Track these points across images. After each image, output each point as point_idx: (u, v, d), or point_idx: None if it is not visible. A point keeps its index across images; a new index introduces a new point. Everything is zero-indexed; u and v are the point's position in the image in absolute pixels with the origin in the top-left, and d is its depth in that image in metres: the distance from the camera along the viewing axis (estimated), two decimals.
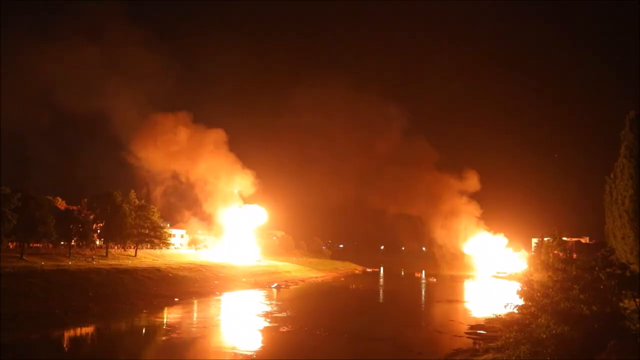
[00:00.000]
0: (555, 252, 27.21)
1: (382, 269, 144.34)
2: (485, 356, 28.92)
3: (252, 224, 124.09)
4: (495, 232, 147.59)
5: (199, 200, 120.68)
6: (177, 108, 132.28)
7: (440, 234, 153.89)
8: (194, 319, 49.07)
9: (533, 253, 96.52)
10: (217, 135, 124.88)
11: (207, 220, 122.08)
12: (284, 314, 49.38)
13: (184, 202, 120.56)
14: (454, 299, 70.99)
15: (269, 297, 66.12)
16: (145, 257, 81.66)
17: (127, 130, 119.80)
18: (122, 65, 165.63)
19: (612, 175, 42.80)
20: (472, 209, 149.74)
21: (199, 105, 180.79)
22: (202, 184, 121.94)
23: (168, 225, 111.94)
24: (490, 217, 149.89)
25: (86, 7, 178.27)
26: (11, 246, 63.43)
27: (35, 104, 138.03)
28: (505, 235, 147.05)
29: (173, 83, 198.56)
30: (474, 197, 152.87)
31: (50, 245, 70.99)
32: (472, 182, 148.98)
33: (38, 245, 69.72)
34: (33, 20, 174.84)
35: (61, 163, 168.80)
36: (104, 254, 76.33)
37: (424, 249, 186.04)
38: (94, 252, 76.50)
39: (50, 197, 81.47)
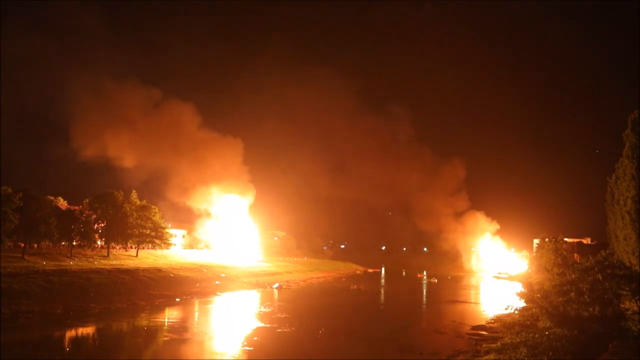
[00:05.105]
0: (556, 254, 27.17)
1: (383, 269, 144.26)
2: (487, 357, 28.84)
3: (241, 213, 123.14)
4: (495, 232, 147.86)
5: (193, 195, 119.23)
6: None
7: (442, 235, 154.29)
8: (195, 319, 49.13)
9: (534, 254, 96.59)
10: (196, 118, 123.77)
11: (209, 220, 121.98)
12: (284, 315, 49.34)
13: (180, 198, 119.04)
14: (456, 300, 70.88)
15: (270, 297, 66.12)
16: (146, 258, 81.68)
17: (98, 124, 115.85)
18: (83, 54, 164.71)
19: (613, 176, 42.70)
20: (474, 210, 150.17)
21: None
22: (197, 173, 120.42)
23: (169, 225, 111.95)
24: (493, 218, 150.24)
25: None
26: (10, 244, 63.36)
27: None
28: (507, 236, 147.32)
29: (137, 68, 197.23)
30: (477, 198, 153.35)
31: (39, 244, 70.46)
32: (460, 172, 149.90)
33: (39, 245, 69.80)
34: None
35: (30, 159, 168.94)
36: (105, 254, 76.37)
37: (425, 249, 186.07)
38: (95, 252, 76.53)
39: (52, 197, 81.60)
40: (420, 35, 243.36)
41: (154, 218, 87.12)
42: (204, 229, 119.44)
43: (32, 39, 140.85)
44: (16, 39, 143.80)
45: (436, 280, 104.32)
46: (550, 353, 22.29)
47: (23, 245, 64.71)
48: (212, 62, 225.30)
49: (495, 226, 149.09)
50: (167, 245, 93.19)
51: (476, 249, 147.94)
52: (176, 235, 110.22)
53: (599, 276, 24.04)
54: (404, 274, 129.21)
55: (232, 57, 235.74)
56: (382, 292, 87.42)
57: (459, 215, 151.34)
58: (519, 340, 25.54)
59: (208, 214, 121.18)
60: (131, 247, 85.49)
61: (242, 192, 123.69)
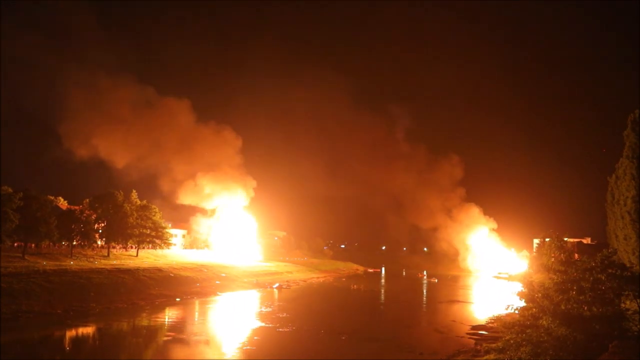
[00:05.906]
0: (556, 254, 27.17)
1: (383, 269, 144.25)
2: (487, 357, 28.87)
3: (241, 205, 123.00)
4: (493, 230, 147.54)
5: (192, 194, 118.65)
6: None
7: (439, 231, 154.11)
8: (195, 319, 49.14)
9: (534, 254, 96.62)
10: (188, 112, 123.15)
11: (209, 220, 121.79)
12: (285, 315, 49.38)
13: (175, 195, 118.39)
14: (456, 300, 70.92)
15: (271, 297, 66.15)
16: (146, 257, 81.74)
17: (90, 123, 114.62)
18: (78, 53, 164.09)
19: (613, 176, 42.75)
20: (475, 211, 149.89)
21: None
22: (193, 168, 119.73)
23: (169, 225, 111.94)
24: (493, 218, 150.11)
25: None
26: (10, 244, 63.30)
27: None
28: (507, 236, 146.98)
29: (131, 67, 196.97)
30: (476, 197, 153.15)
31: (39, 244, 70.29)
32: (458, 170, 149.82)
33: (40, 245, 69.73)
34: None
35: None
36: (106, 254, 76.43)
37: (425, 249, 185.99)
38: (95, 252, 76.59)
39: (52, 197, 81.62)
40: (417, 34, 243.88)
41: (154, 218, 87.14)
42: (204, 229, 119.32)
43: (28, 39, 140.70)
44: (12, 39, 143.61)
45: (436, 280, 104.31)
46: (552, 352, 22.31)
47: (23, 245, 64.74)
48: (207, 62, 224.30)
49: (492, 224, 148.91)
50: (168, 245, 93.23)
51: (473, 246, 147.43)
52: (176, 235, 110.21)
53: (602, 276, 24.05)
54: (404, 273, 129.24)
55: (228, 56, 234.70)
56: (383, 292, 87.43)
57: (454, 209, 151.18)
58: (520, 339, 25.57)
59: (208, 213, 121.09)
60: (131, 247, 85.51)
61: (242, 191, 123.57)
